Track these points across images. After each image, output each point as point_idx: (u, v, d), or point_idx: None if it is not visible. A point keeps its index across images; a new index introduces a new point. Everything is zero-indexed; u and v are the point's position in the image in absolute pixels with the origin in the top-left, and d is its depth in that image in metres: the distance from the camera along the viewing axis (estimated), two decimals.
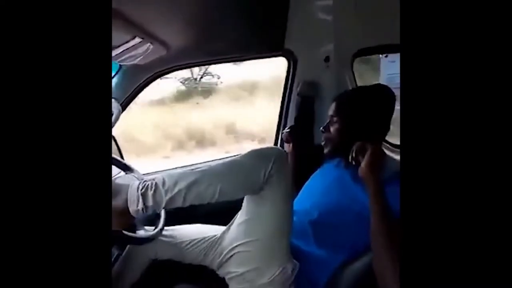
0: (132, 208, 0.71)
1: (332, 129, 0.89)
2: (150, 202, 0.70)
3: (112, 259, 0.81)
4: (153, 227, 0.83)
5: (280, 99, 1.37)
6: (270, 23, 1.13)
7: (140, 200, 0.70)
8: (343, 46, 1.24)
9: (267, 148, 0.78)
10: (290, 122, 1.33)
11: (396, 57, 1.34)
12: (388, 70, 1.37)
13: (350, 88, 1.28)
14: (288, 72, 1.32)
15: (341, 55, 1.25)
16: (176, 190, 0.70)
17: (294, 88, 1.31)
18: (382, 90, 0.88)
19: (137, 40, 0.80)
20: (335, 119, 0.88)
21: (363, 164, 0.74)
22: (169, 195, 0.70)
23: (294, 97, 1.31)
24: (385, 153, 0.76)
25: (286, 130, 1.16)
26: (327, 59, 1.25)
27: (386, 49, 1.32)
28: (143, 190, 0.71)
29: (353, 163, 0.79)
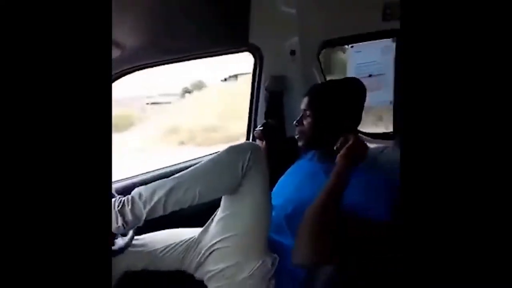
0: (112, 227, 0.70)
1: (305, 122, 0.89)
2: (129, 217, 0.71)
3: None
4: (123, 237, 0.80)
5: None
6: (232, 16, 1.10)
7: (119, 217, 0.70)
8: (308, 38, 1.23)
9: (242, 143, 0.79)
10: (260, 118, 1.31)
11: (362, 47, 1.35)
12: (356, 60, 1.38)
13: (319, 80, 1.28)
14: (254, 67, 1.30)
15: (306, 47, 1.25)
16: (155, 200, 0.71)
17: (262, 83, 1.29)
18: (353, 83, 0.90)
19: None
20: (307, 112, 0.88)
21: (340, 152, 0.74)
22: (148, 207, 0.71)
23: (262, 92, 1.29)
24: (366, 146, 0.75)
25: (259, 128, 1.14)
26: (292, 52, 1.24)
27: (352, 39, 1.32)
28: (119, 207, 0.71)
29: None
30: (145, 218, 0.72)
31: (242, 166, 0.73)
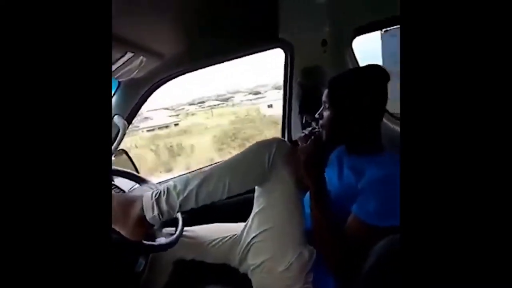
0: (148, 216, 0.74)
1: (325, 115, 0.85)
2: (164, 207, 0.74)
3: (140, 268, 0.84)
4: (173, 228, 0.86)
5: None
6: (261, 12, 1.10)
7: (155, 206, 0.74)
8: (340, 26, 1.19)
9: (268, 139, 0.81)
10: (295, 113, 1.31)
11: (397, 31, 1.27)
12: (389, 46, 1.30)
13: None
14: (286, 62, 1.30)
15: (338, 36, 1.21)
16: (187, 191, 0.74)
17: (294, 78, 1.28)
18: (374, 71, 0.82)
19: (129, 55, 0.81)
20: (327, 105, 0.84)
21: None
22: (181, 197, 0.74)
23: (295, 87, 1.29)
24: (312, 150, 0.77)
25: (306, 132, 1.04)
26: (324, 42, 1.21)
27: (387, 23, 1.25)
28: (156, 197, 0.75)
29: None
30: (179, 209, 0.75)
31: (269, 159, 0.75)
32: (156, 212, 0.73)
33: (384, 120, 0.87)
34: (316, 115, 0.89)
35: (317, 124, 0.91)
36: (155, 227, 0.82)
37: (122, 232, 0.71)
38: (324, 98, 0.86)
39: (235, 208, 1.00)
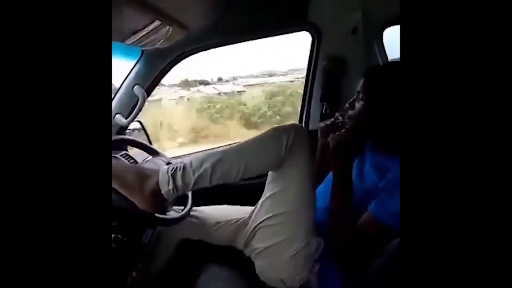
0: (163, 190, 0.74)
1: (357, 105, 0.83)
2: (179, 183, 0.74)
3: (147, 240, 0.86)
4: (182, 207, 0.86)
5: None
6: None
7: (171, 181, 0.74)
8: (373, 15, 1.15)
9: (287, 125, 0.79)
10: (316, 101, 1.28)
11: None
12: None
13: (381, 62, 1.20)
14: (312, 47, 1.26)
15: (370, 25, 1.17)
16: (202, 169, 0.74)
17: (319, 64, 1.24)
18: None
19: (157, 23, 0.79)
20: (361, 95, 0.82)
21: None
22: (196, 175, 0.74)
23: (319, 74, 1.25)
24: (345, 140, 0.78)
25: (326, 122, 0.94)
26: (354, 31, 1.17)
27: None
28: (172, 172, 0.75)
29: None
30: (193, 186, 0.75)
31: (286, 144, 0.74)
32: (171, 187, 0.74)
33: None
34: (346, 105, 0.86)
35: (341, 115, 0.88)
36: (168, 202, 0.83)
37: (137, 203, 0.72)
38: (359, 88, 0.83)
39: (246, 192, 0.99)
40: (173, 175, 0.74)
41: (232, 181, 0.76)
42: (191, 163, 0.75)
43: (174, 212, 0.85)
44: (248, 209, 0.93)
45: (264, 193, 0.83)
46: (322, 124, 0.95)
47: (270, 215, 0.79)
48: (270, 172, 0.81)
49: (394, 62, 0.80)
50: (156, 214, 0.75)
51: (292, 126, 0.77)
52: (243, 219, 0.91)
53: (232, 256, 0.90)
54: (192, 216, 0.92)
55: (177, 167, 0.76)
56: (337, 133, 0.79)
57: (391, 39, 1.23)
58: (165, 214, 0.82)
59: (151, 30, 0.81)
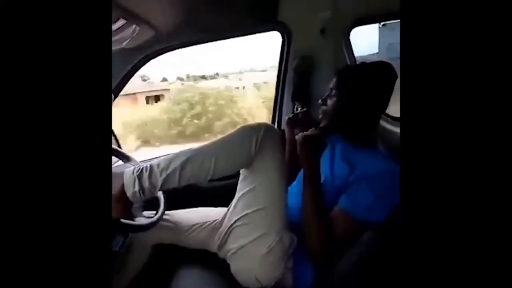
0: (128, 192, 0.72)
1: (330, 102, 0.87)
2: (146, 184, 0.72)
3: (117, 248, 0.82)
4: (154, 212, 0.84)
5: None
6: None
7: (136, 182, 0.72)
8: (341, 15, 1.17)
9: (256, 123, 0.80)
10: (287, 100, 1.29)
11: (395, 25, 1.27)
12: (387, 39, 1.31)
13: (348, 61, 1.23)
14: (282, 47, 1.27)
15: (338, 25, 1.19)
16: (170, 169, 0.72)
17: (289, 64, 1.26)
18: (385, 68, 0.85)
19: (121, 22, 0.75)
20: (334, 92, 0.86)
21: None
22: (163, 175, 0.72)
23: (289, 74, 1.27)
24: (311, 137, 0.79)
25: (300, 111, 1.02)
26: (323, 30, 1.19)
27: (387, 17, 1.25)
28: (138, 173, 0.73)
29: None
30: (161, 187, 0.73)
31: (256, 142, 0.74)
32: (137, 188, 0.71)
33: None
34: (320, 101, 0.90)
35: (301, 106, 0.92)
36: (135, 206, 0.80)
37: None
38: (331, 85, 0.87)
39: (219, 193, 0.98)
40: (139, 176, 0.72)
41: (202, 180, 0.75)
42: (158, 164, 0.74)
43: (145, 218, 0.82)
44: (221, 210, 0.93)
45: (236, 192, 0.84)
46: (286, 117, 1.01)
47: (244, 213, 0.79)
48: (241, 171, 0.82)
49: (364, 63, 0.86)
50: (122, 220, 0.71)
51: (262, 124, 0.78)
52: (216, 220, 0.91)
53: (207, 259, 0.89)
54: (165, 220, 0.90)
55: (143, 168, 0.74)
56: (303, 131, 0.81)
57: (357, 39, 1.28)
58: (134, 219, 0.79)
59: (116, 29, 0.77)
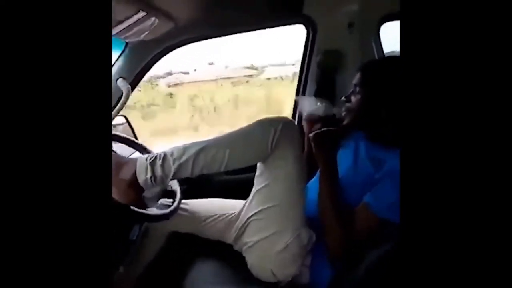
0: (140, 178, 0.71)
1: (354, 99, 0.83)
2: (158, 171, 0.71)
3: (134, 236, 0.82)
4: (170, 200, 0.83)
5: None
6: None
7: (149, 169, 0.71)
8: (370, 9, 1.12)
9: (275, 117, 0.77)
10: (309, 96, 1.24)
11: None
12: None
13: (377, 57, 1.16)
14: (306, 41, 1.22)
15: (367, 19, 1.13)
16: (184, 158, 0.71)
17: (313, 59, 1.20)
18: None
19: (141, 14, 0.74)
20: (358, 89, 0.83)
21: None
22: (176, 164, 0.71)
23: (313, 69, 1.21)
24: (325, 134, 0.78)
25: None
26: (351, 25, 1.13)
27: None
28: (151, 160, 0.72)
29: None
30: (173, 175, 0.72)
31: (273, 136, 0.72)
32: (149, 175, 0.71)
33: None
34: (343, 98, 0.86)
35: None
36: (147, 195, 0.79)
37: (113, 194, 0.67)
38: (355, 81, 0.84)
39: (237, 186, 0.96)
40: (152, 164, 0.71)
41: (215, 171, 0.74)
42: (172, 152, 0.73)
43: (160, 208, 0.81)
44: (239, 202, 0.91)
45: (254, 186, 0.82)
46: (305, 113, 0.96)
47: (260, 208, 0.78)
48: (258, 166, 0.80)
49: (390, 57, 0.81)
50: (133, 208, 0.69)
51: (281, 118, 0.75)
52: (234, 213, 0.90)
53: (222, 250, 0.88)
54: (182, 209, 0.90)
55: (157, 155, 0.73)
56: (318, 127, 0.80)
57: (389, 34, 1.21)
58: (149, 208, 0.78)
59: (136, 21, 0.76)
